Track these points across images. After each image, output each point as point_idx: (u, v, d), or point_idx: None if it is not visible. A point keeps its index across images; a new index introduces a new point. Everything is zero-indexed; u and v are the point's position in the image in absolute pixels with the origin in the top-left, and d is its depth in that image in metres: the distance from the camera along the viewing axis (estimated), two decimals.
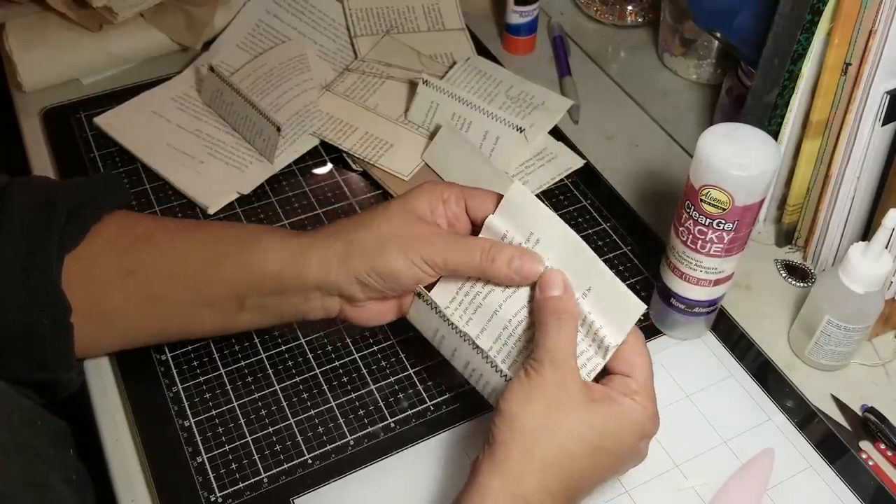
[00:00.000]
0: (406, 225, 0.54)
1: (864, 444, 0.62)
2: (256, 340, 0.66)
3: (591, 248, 0.52)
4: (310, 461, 0.59)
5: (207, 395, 0.63)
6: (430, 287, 0.57)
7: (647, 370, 0.52)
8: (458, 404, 0.63)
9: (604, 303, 0.51)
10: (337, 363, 0.65)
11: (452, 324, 0.55)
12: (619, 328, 0.51)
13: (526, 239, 0.53)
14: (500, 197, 0.55)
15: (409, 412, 0.62)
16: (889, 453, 0.61)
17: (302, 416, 0.62)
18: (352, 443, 0.60)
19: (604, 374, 0.53)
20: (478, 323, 0.55)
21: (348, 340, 0.66)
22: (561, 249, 0.52)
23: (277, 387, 0.63)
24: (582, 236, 0.53)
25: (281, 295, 0.57)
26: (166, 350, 0.65)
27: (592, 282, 0.52)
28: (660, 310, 0.67)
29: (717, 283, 0.62)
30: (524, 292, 0.54)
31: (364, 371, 0.65)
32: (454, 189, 0.56)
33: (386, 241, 0.54)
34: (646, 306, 0.51)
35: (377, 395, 0.63)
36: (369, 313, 0.58)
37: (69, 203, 0.57)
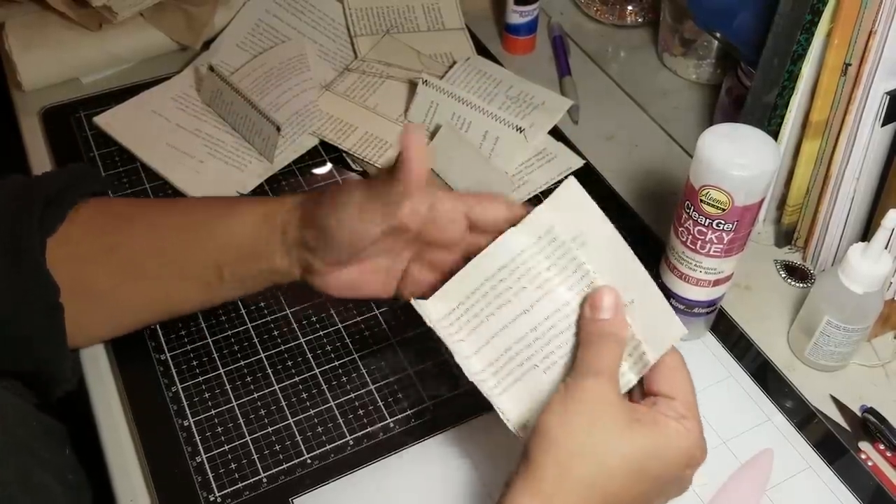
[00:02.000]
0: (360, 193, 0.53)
1: (864, 445, 0.62)
2: (256, 340, 0.66)
3: None
4: (309, 461, 0.59)
5: (207, 395, 0.62)
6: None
7: (691, 393, 0.48)
8: (458, 404, 0.63)
9: (645, 318, 0.48)
10: (336, 363, 0.65)
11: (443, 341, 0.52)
12: (656, 346, 0.48)
13: (573, 238, 0.50)
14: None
15: (409, 412, 0.62)
16: (888, 454, 0.61)
17: (301, 416, 0.62)
18: (351, 443, 0.60)
19: (635, 390, 0.50)
20: (474, 342, 0.52)
21: (348, 340, 0.66)
22: (608, 255, 0.49)
23: (277, 387, 0.63)
24: None
25: (254, 260, 0.57)
26: (165, 350, 0.65)
27: (636, 294, 0.48)
28: None
29: (716, 283, 0.62)
30: (539, 313, 0.51)
31: (363, 371, 0.65)
32: (454, 197, 0.54)
33: (333, 207, 0.53)
34: (687, 330, 0.48)
35: (376, 395, 0.63)
36: (336, 282, 0.56)
37: (46, 192, 0.58)
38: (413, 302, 0.53)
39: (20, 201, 0.57)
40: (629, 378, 0.49)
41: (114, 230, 0.59)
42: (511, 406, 0.51)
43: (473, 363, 0.52)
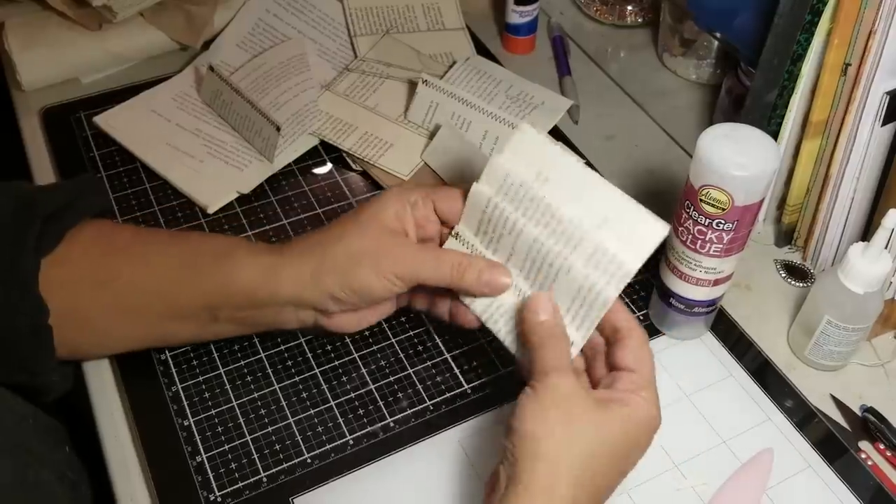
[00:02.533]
0: (376, 239, 0.55)
1: (864, 445, 0.62)
2: (256, 340, 0.66)
3: None
4: (309, 461, 0.59)
5: (207, 395, 0.62)
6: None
7: (651, 364, 0.52)
8: (458, 404, 0.63)
9: (623, 229, 0.50)
10: (336, 363, 0.65)
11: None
12: (639, 250, 0.49)
13: (535, 177, 0.52)
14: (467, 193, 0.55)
15: (409, 411, 0.62)
16: (888, 453, 0.61)
17: (301, 416, 0.62)
18: (351, 442, 0.60)
19: (598, 363, 0.54)
20: (503, 251, 0.55)
21: (348, 340, 0.66)
22: (573, 184, 0.51)
23: (277, 386, 0.63)
24: None
25: (254, 308, 0.57)
26: (166, 349, 0.65)
27: (610, 210, 0.50)
28: (659, 310, 0.67)
29: (716, 283, 0.62)
30: (521, 252, 0.54)
31: (363, 370, 0.65)
32: (420, 192, 0.57)
33: (357, 258, 0.54)
34: (668, 226, 0.49)
35: (376, 395, 0.63)
36: (345, 322, 0.58)
37: (46, 207, 0.57)
38: (456, 229, 0.56)
39: (21, 217, 0.56)
40: (609, 293, 0.50)
41: (110, 263, 0.58)
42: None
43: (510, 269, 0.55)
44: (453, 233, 0.56)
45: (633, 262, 0.49)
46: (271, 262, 0.56)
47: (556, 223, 0.51)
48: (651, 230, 0.49)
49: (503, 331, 0.55)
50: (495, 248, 0.55)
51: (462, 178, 0.78)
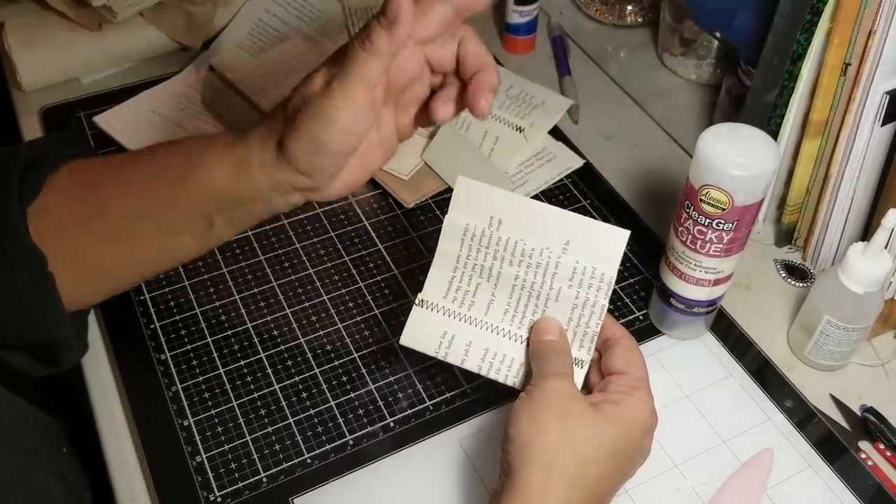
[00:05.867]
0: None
1: (864, 444, 0.62)
2: (256, 340, 0.66)
3: None
4: (309, 461, 0.59)
5: (207, 395, 0.62)
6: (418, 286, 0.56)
7: (641, 368, 0.53)
8: (458, 404, 0.63)
9: (588, 246, 0.52)
10: (336, 363, 0.65)
11: (460, 315, 0.55)
12: (610, 260, 0.52)
13: (489, 224, 0.54)
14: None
15: (409, 412, 0.62)
16: (888, 453, 0.61)
17: (301, 416, 0.62)
18: (351, 442, 0.60)
19: (593, 369, 0.55)
20: (483, 299, 0.55)
21: (347, 340, 0.66)
22: (526, 220, 0.53)
23: (277, 386, 0.63)
24: None
25: (241, 206, 0.55)
26: (165, 350, 0.65)
27: (569, 233, 0.53)
28: (659, 310, 0.67)
29: (716, 283, 0.62)
30: (503, 297, 0.55)
31: (363, 370, 0.65)
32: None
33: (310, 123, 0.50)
34: (629, 231, 0.52)
35: (376, 395, 0.63)
36: (340, 187, 0.55)
37: (24, 158, 0.57)
38: (419, 299, 0.56)
39: (1, 167, 0.56)
40: (601, 301, 0.53)
41: (92, 197, 0.57)
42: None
43: (495, 311, 0.55)
44: (417, 301, 0.56)
45: (611, 269, 0.52)
46: (240, 156, 0.53)
47: (527, 258, 0.54)
48: (615, 237, 0.52)
49: (510, 376, 0.55)
50: (472, 301, 0.55)
51: None
